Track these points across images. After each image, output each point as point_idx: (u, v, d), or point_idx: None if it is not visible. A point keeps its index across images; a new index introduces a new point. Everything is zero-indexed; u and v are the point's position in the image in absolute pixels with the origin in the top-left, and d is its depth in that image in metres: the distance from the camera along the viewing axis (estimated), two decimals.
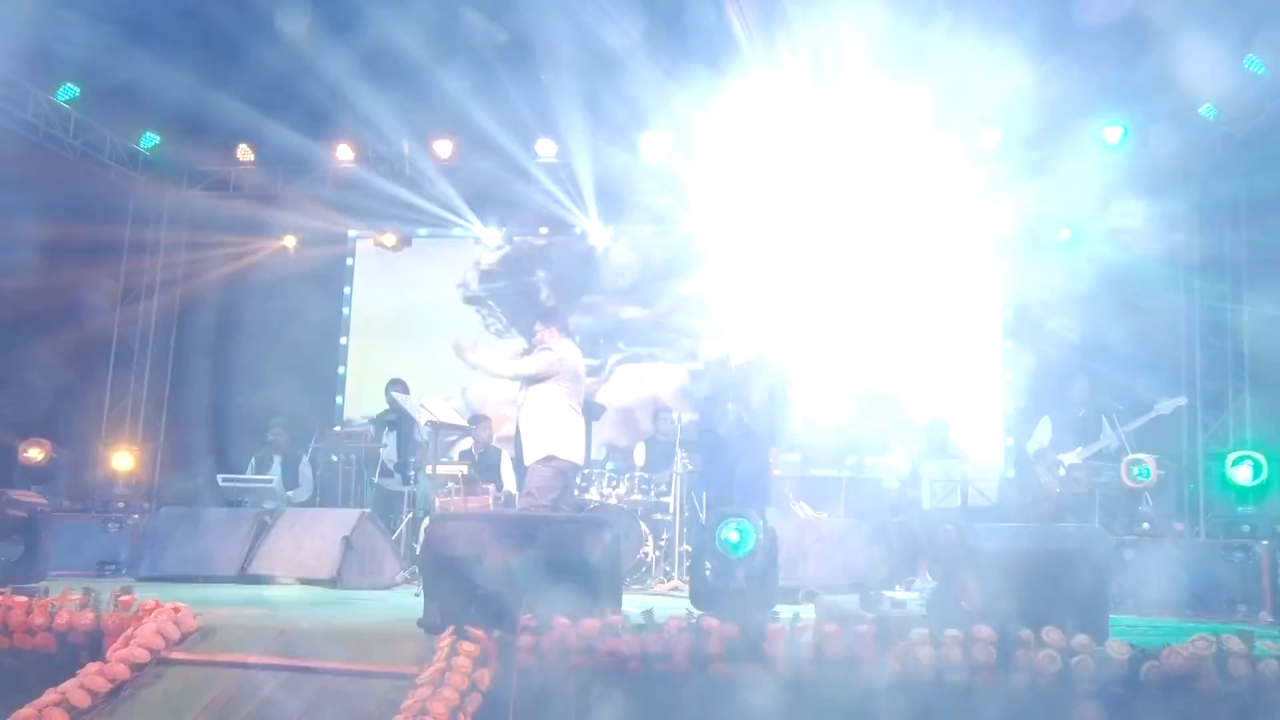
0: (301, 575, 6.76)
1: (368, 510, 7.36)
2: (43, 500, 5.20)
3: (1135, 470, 6.61)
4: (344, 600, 5.85)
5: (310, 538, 6.94)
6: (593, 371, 11.13)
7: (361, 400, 10.86)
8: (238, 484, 8.12)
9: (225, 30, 9.08)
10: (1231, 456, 6.61)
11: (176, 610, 3.84)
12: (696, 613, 3.79)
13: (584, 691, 3.44)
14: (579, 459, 6.40)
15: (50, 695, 3.42)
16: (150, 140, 10.34)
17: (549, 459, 6.14)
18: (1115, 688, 3.25)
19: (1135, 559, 6.41)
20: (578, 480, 7.80)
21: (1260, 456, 6.45)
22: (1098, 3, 7.83)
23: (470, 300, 11.37)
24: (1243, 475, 6.38)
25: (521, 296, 11.27)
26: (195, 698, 3.46)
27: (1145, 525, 6.61)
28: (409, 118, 10.07)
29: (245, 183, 10.75)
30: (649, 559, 7.50)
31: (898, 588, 6.86)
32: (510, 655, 3.46)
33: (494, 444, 8.84)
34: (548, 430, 6.19)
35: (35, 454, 7.33)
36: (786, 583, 5.95)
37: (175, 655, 3.68)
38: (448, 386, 10.46)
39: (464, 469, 7.97)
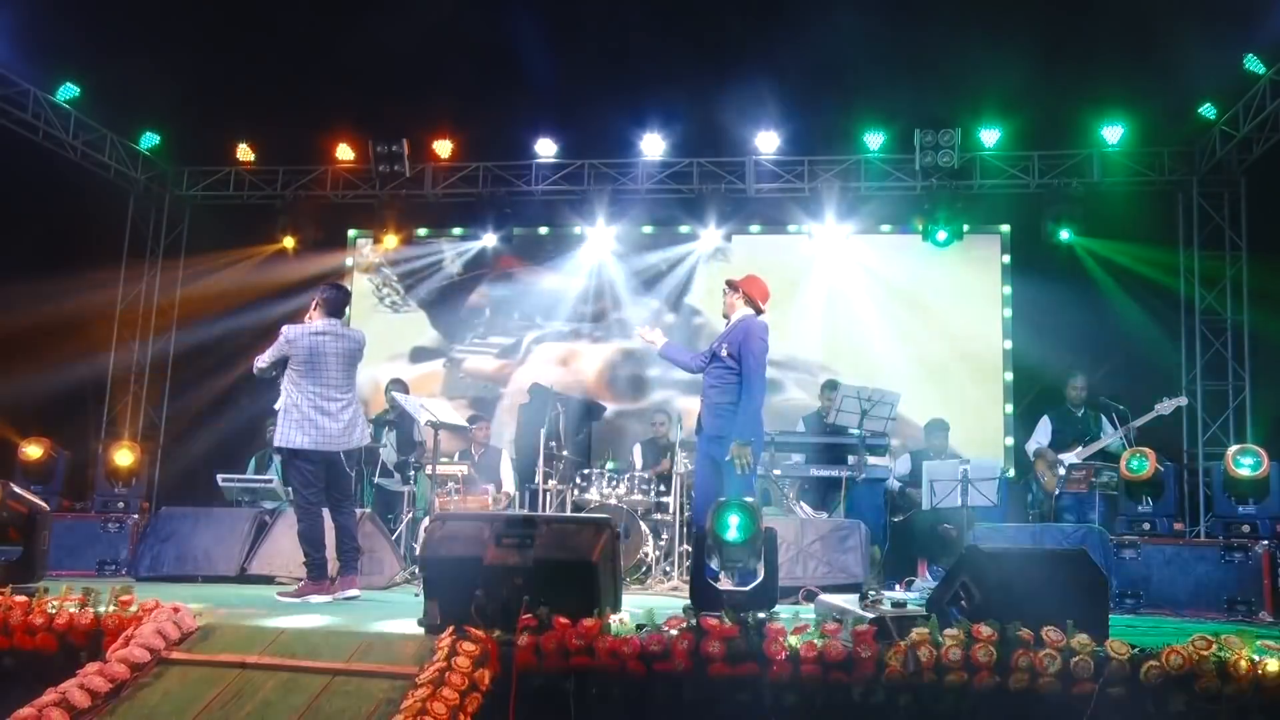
0: (302, 575, 6.75)
1: (368, 510, 7.35)
2: (43, 504, 5.19)
3: (1132, 462, 6.62)
4: (344, 600, 5.84)
5: None
6: (506, 352, 10.85)
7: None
8: (237, 484, 8.11)
9: (226, 30, 9.11)
10: (1234, 450, 6.59)
11: (176, 610, 3.83)
12: (697, 612, 3.79)
13: (584, 691, 3.44)
14: (316, 445, 5.72)
15: (50, 695, 3.42)
16: (150, 140, 10.35)
17: (290, 452, 5.70)
18: (1115, 688, 3.25)
19: (1135, 559, 6.42)
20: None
21: (1262, 452, 6.44)
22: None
23: (364, 269, 11.18)
24: (1246, 468, 6.37)
25: (426, 266, 11.01)
26: (195, 698, 3.46)
27: (1145, 525, 6.61)
28: (410, 117, 10.09)
29: (245, 182, 10.76)
30: (649, 559, 7.50)
31: (898, 588, 6.87)
32: (510, 655, 3.46)
33: (493, 444, 8.85)
34: (282, 420, 5.73)
35: (34, 451, 7.33)
36: (786, 583, 5.97)
37: (175, 655, 3.67)
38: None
39: (464, 469, 7.99)
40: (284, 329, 5.76)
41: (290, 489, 5.83)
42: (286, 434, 5.65)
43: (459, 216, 10.78)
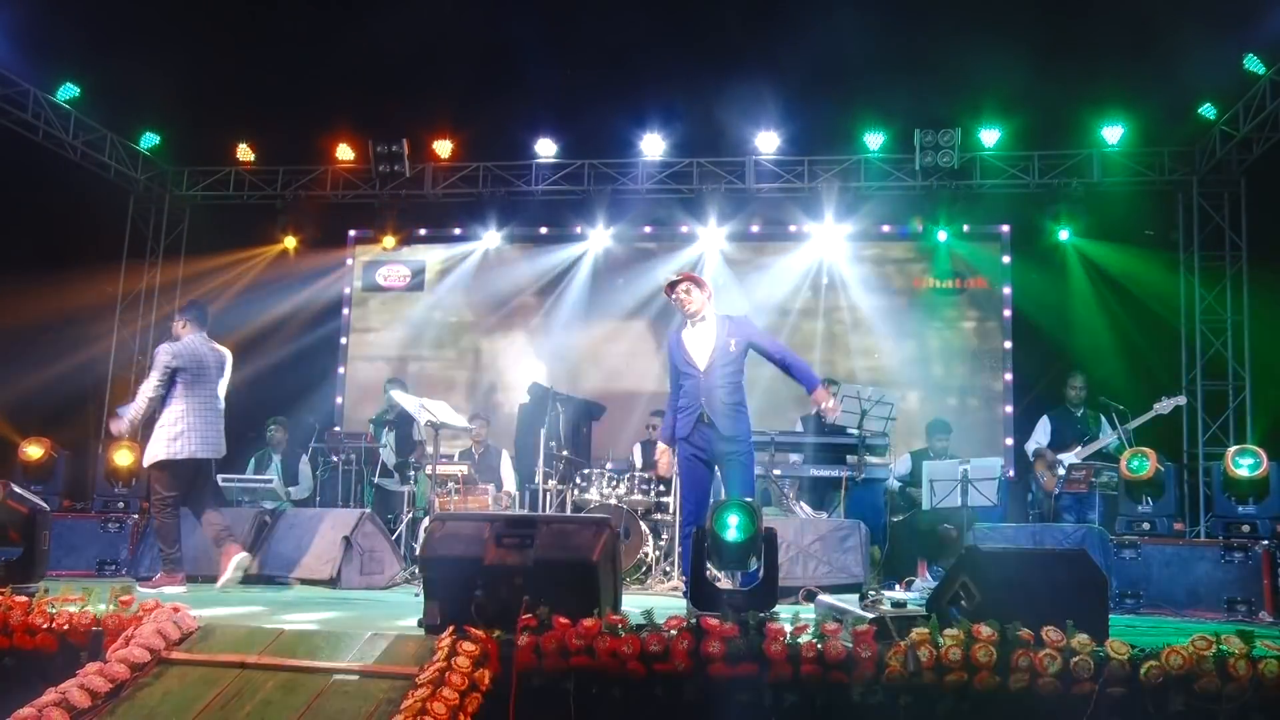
0: (301, 575, 6.77)
1: (368, 510, 7.36)
2: (43, 504, 5.20)
3: (1133, 462, 6.61)
4: (344, 600, 5.85)
5: (310, 538, 6.94)
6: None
7: (361, 400, 10.88)
8: (237, 484, 8.12)
9: (226, 30, 9.11)
10: (1233, 451, 6.59)
11: (176, 610, 3.83)
12: (697, 612, 3.79)
13: (584, 691, 3.44)
14: (201, 454, 6.05)
15: (50, 695, 3.42)
16: (150, 140, 10.35)
17: (161, 463, 5.95)
18: (1115, 688, 3.25)
19: (1135, 559, 6.42)
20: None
21: (1261, 452, 6.45)
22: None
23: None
24: (1245, 469, 6.37)
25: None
26: (195, 698, 3.46)
27: (1145, 525, 6.61)
28: (410, 117, 10.09)
29: (245, 182, 10.76)
30: (649, 559, 7.50)
31: (898, 588, 6.87)
32: (510, 655, 3.46)
33: (493, 444, 8.85)
34: (169, 431, 5.98)
35: (34, 452, 7.32)
36: (786, 583, 5.96)
37: (175, 655, 3.67)
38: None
39: (464, 469, 7.99)
40: (164, 347, 6.10)
41: (154, 491, 6.08)
42: (173, 445, 5.96)
43: (459, 216, 10.78)
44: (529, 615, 3.54)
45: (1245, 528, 6.31)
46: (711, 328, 5.35)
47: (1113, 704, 3.25)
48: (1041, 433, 8.12)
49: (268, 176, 10.71)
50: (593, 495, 7.66)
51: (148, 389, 6.01)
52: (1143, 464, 6.59)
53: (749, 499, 4.17)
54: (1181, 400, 7.90)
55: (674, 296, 5.41)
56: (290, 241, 10.81)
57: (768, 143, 9.89)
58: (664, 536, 7.61)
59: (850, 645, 3.38)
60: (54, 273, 9.18)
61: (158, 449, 5.98)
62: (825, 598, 4.71)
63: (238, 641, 3.75)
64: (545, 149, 10.20)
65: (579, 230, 10.57)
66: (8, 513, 4.89)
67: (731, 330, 5.33)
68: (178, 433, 5.99)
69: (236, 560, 5.95)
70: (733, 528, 3.89)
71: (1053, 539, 6.60)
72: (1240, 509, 6.39)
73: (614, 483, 7.70)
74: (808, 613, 4.12)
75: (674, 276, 5.46)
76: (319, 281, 11.01)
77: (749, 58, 9.45)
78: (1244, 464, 6.38)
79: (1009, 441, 9.89)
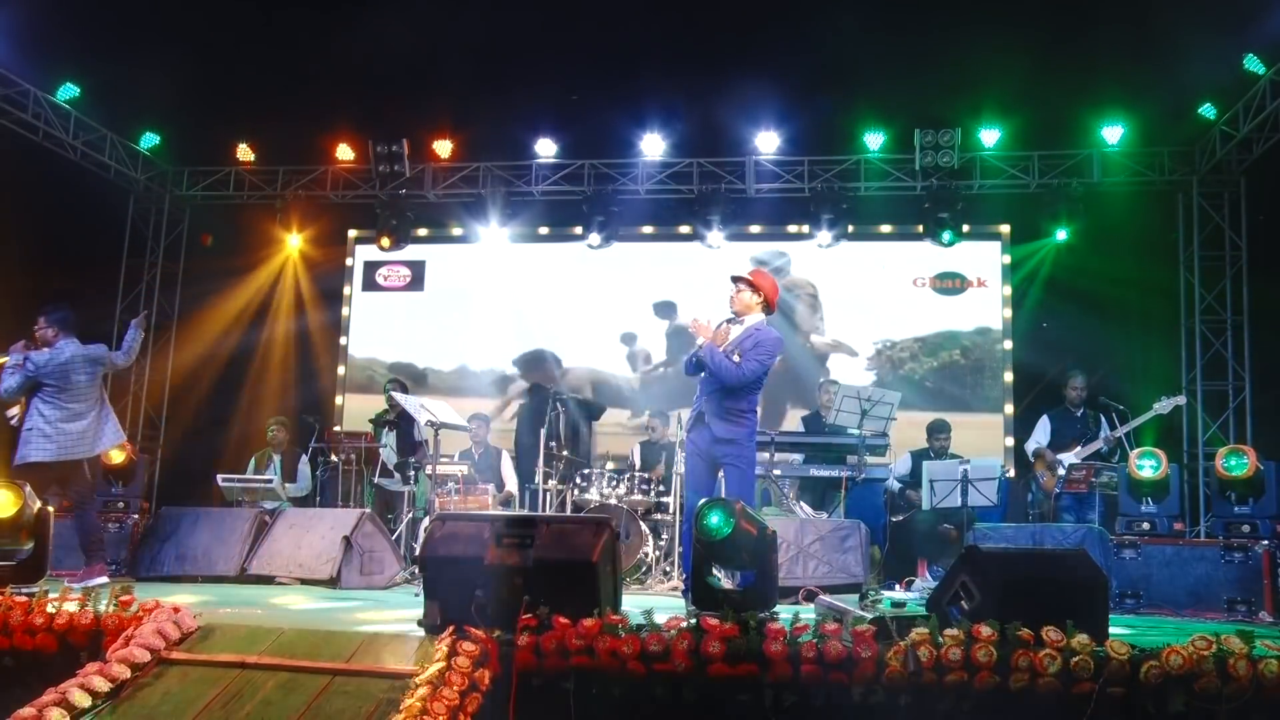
0: (301, 575, 6.77)
1: (368, 510, 7.36)
2: (45, 504, 5.22)
3: (1144, 462, 6.61)
4: (344, 600, 5.85)
5: (310, 538, 6.95)
6: None
7: (361, 400, 10.87)
8: (237, 484, 8.12)
9: (226, 30, 9.10)
10: (1222, 452, 6.60)
11: (176, 610, 3.84)
12: (697, 612, 3.79)
13: (584, 691, 3.45)
14: (60, 457, 6.12)
15: (50, 695, 3.42)
16: (150, 140, 10.35)
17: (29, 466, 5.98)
18: (1115, 688, 3.25)
19: (1135, 559, 6.42)
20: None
21: (1247, 451, 6.45)
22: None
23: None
24: (1235, 469, 6.39)
25: None
26: (195, 698, 3.46)
27: (1145, 525, 6.61)
28: (410, 117, 10.09)
29: (245, 182, 10.76)
30: (649, 559, 7.51)
31: (898, 588, 6.87)
32: (510, 655, 3.46)
33: (492, 444, 8.85)
34: (35, 435, 6.07)
35: None
36: (786, 583, 5.97)
37: (175, 655, 3.68)
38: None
39: (464, 469, 7.99)
40: (32, 355, 6.07)
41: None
42: (42, 447, 6.00)
43: (459, 216, 10.78)
44: (529, 615, 3.54)
45: (1245, 528, 6.32)
46: (738, 332, 5.26)
47: (1113, 704, 3.25)
48: (1041, 433, 8.12)
49: (268, 176, 10.71)
50: (593, 495, 7.66)
51: (12, 389, 6.01)
52: (1155, 465, 6.60)
53: (729, 498, 4.18)
54: (1181, 400, 7.90)
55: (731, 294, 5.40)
56: (290, 242, 10.80)
57: (767, 143, 9.88)
58: (664, 536, 7.62)
59: (850, 645, 3.38)
60: (54, 273, 9.18)
61: (27, 450, 6.01)
62: (825, 598, 4.72)
63: (238, 641, 3.76)
64: (545, 149, 10.19)
65: (578, 231, 10.54)
66: (26, 513, 4.93)
67: (743, 338, 5.22)
68: (42, 435, 6.03)
69: (99, 581, 5.84)
70: (712, 527, 3.91)
71: (1053, 539, 6.60)
72: (1238, 509, 6.40)
73: (614, 483, 7.70)
74: (808, 613, 4.12)
75: (740, 273, 5.41)
76: (318, 282, 11.01)
77: (749, 58, 9.44)
78: (1233, 464, 6.40)
79: (1009, 441, 9.89)
